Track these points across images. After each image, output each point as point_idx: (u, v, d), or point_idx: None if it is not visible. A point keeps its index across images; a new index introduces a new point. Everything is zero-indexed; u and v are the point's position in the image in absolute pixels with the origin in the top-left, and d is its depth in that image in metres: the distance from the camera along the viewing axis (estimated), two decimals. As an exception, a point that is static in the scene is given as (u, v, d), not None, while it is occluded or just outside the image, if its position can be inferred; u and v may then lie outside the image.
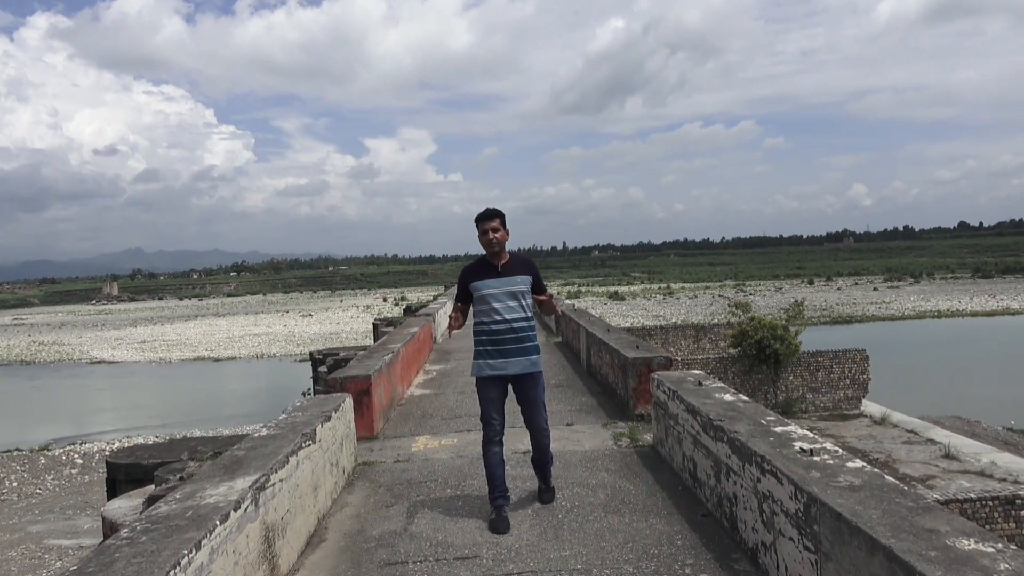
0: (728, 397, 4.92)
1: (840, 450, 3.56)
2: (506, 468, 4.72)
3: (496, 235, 4.54)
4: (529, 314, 4.64)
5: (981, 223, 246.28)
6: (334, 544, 4.31)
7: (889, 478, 3.13)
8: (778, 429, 4.00)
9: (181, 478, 6.20)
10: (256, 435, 4.62)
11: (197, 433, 26.28)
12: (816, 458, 3.43)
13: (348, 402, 5.85)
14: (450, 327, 4.77)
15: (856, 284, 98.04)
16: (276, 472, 3.84)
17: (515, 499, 4.84)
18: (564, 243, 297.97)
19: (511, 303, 4.54)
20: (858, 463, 3.33)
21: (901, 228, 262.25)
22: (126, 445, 23.44)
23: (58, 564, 14.04)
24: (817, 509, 2.93)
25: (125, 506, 6.06)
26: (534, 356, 4.63)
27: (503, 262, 4.61)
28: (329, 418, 5.12)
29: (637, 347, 7.55)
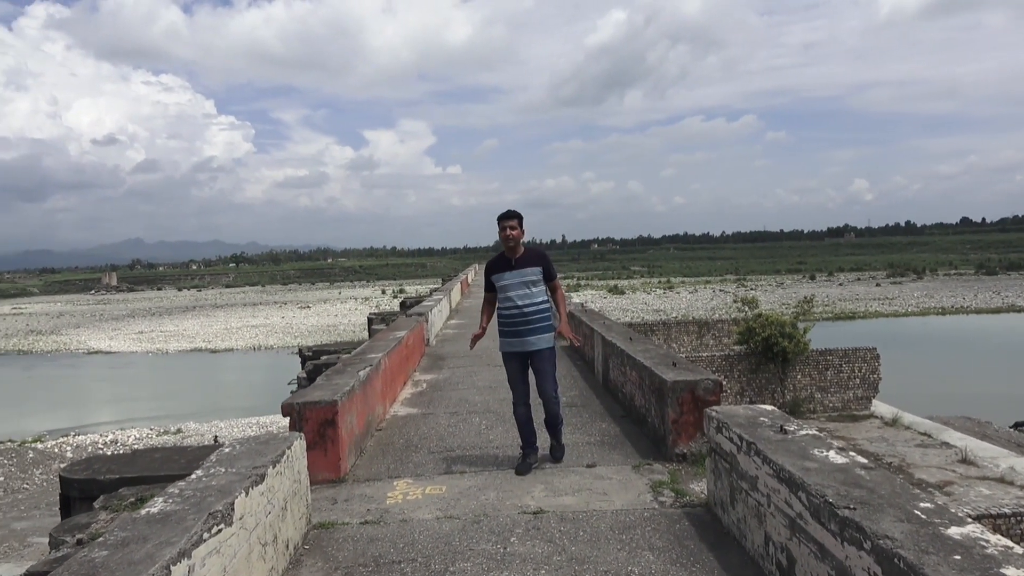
0: (836, 457, 3.39)
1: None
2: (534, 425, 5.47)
3: (513, 232, 5.23)
4: (539, 299, 5.29)
5: (984, 219, 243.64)
6: None
7: None
8: (954, 532, 2.48)
9: (79, 541, 4.72)
10: (146, 511, 3.13)
11: (191, 427, 24.99)
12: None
13: (298, 446, 4.32)
14: (475, 338, 5.66)
15: (858, 280, 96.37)
16: (140, 602, 2.34)
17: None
18: (563, 236, 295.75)
19: (523, 291, 5.22)
20: None
21: (903, 223, 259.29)
22: (104, 446, 22.09)
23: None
24: None
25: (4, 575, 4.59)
26: (544, 335, 5.28)
27: (518, 256, 5.28)
28: (263, 477, 3.61)
29: (674, 364, 6.02)
